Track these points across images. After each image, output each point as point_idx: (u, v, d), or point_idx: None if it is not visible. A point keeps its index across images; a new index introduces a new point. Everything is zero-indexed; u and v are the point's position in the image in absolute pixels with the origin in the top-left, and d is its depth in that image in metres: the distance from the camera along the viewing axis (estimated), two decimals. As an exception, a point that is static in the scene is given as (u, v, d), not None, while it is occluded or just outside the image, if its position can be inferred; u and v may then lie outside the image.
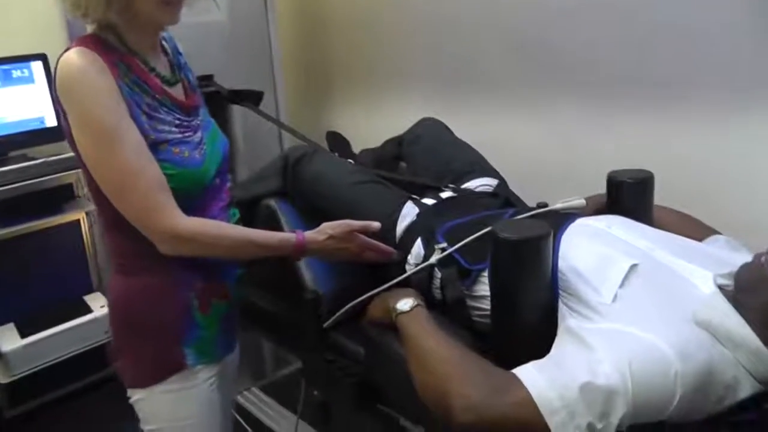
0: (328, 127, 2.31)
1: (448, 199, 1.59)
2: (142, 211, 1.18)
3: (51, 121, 2.60)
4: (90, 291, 2.84)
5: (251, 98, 2.20)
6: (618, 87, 1.91)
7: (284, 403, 2.57)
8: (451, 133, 1.89)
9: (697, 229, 1.43)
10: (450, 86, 2.41)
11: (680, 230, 1.38)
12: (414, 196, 1.58)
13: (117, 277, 1.32)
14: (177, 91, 1.31)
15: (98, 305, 2.72)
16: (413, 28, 2.55)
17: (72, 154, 1.22)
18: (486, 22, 2.25)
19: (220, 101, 2.23)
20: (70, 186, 2.64)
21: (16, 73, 2.54)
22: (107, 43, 1.20)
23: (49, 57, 2.58)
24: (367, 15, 2.75)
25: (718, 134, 1.72)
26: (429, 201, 1.57)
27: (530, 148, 2.12)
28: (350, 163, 1.86)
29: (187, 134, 1.28)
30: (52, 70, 1.18)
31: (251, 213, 1.68)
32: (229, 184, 1.43)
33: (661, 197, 1.48)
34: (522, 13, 2.13)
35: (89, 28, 1.24)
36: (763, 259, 1.10)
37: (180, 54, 1.40)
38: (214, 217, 1.32)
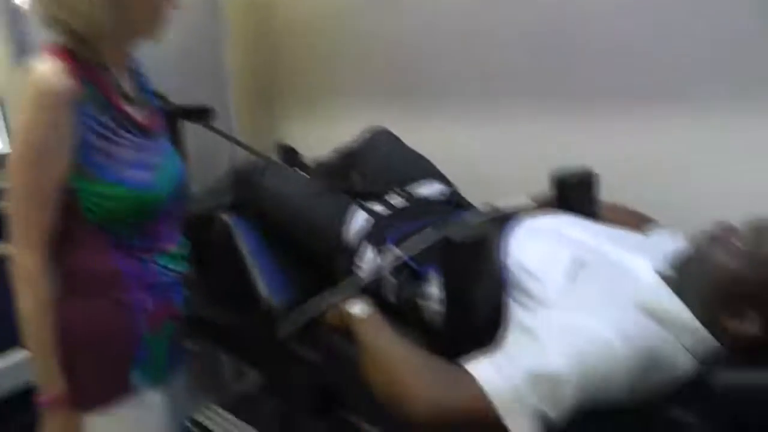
0: (280, 140, 2.31)
1: (398, 206, 1.62)
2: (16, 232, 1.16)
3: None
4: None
5: (203, 115, 2.21)
6: (561, 91, 1.96)
7: (245, 418, 2.55)
8: (400, 141, 1.91)
9: (641, 223, 1.50)
10: (397, 96, 2.44)
11: (625, 224, 1.44)
12: (365, 204, 1.60)
13: (62, 297, 1.25)
14: (138, 112, 1.28)
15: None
16: (359, 38, 2.57)
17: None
18: (430, 33, 2.29)
19: (171, 118, 2.24)
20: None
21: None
22: (78, 55, 1.17)
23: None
24: (315, 28, 2.76)
25: (659, 133, 1.79)
26: (380, 208, 1.59)
27: (477, 154, 2.15)
28: (301, 175, 1.87)
29: (143, 157, 1.25)
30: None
31: (206, 227, 1.69)
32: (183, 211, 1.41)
33: (607, 195, 1.53)
34: (466, 24, 2.18)
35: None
36: (696, 243, 1.18)
37: (143, 75, 1.37)
38: (163, 240, 1.30)
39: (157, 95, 2.04)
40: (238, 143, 2.14)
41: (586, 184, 1.48)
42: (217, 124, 2.19)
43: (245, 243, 1.64)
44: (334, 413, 1.47)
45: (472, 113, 2.19)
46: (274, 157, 2.15)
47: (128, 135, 1.24)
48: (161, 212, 1.29)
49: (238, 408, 2.63)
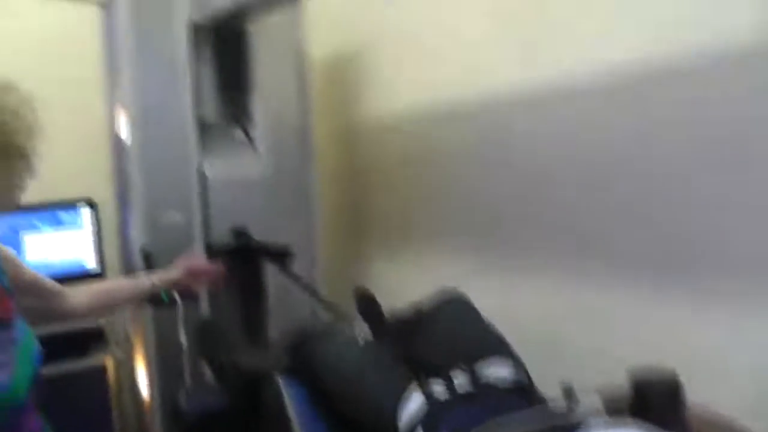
0: (363, 278, 2.29)
1: (458, 389, 1.49)
2: None
3: (91, 264, 2.68)
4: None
5: (283, 257, 2.22)
6: (654, 271, 1.85)
7: None
8: (474, 311, 1.79)
9: None
10: (481, 248, 2.41)
11: None
12: (422, 382, 1.49)
13: None
14: None
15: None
16: (449, 189, 2.58)
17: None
18: (512, 188, 2.27)
19: (254, 256, 2.28)
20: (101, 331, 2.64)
21: (64, 217, 2.64)
22: None
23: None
24: (405, 173, 2.80)
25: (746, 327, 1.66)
26: (438, 387, 1.47)
27: (552, 321, 2.07)
28: (358, 344, 1.74)
29: None
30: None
31: (258, 387, 1.67)
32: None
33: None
34: (549, 178, 2.15)
35: None
36: None
37: None
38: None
39: (239, 233, 2.09)
40: (312, 293, 2.13)
41: (671, 393, 1.29)
42: (301, 256, 2.18)
43: (295, 409, 1.59)
44: None
45: (554, 279, 2.11)
46: (351, 303, 2.09)
47: None
48: (19, 409, 1.16)
49: None
